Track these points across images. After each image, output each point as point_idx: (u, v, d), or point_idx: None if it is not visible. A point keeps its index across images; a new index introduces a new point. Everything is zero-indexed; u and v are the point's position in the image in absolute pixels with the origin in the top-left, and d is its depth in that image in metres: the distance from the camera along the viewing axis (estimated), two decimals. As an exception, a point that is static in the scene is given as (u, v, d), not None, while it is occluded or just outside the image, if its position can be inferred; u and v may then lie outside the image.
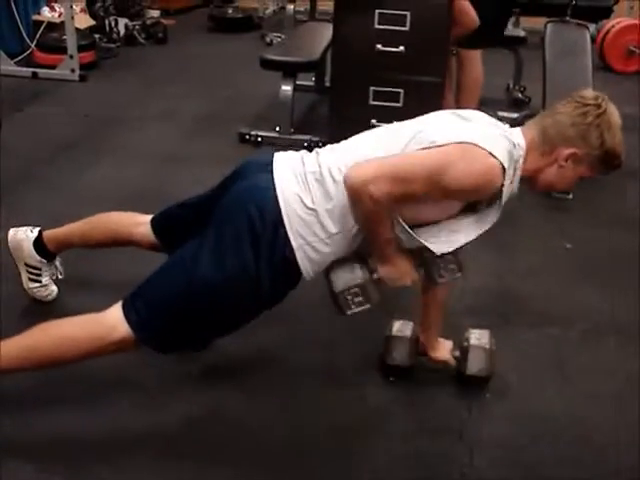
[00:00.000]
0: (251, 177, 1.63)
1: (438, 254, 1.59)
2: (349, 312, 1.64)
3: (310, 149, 3.63)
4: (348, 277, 1.61)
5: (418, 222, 1.58)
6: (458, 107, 3.55)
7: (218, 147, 3.47)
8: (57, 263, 2.05)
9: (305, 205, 1.55)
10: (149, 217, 1.89)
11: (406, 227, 1.56)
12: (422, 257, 1.66)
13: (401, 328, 1.88)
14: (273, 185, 1.57)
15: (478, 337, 1.85)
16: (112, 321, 1.57)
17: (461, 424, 1.73)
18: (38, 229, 2.01)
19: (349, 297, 1.62)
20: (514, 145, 1.55)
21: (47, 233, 2.01)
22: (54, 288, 2.05)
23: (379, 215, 1.52)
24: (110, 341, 1.56)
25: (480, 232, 1.62)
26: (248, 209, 1.55)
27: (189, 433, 1.66)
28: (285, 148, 3.50)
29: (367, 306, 1.64)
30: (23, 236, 2.00)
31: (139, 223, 1.90)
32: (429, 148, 1.51)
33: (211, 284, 1.55)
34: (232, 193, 1.62)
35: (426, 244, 1.58)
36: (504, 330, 2.07)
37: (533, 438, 1.72)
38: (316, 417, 1.74)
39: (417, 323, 1.87)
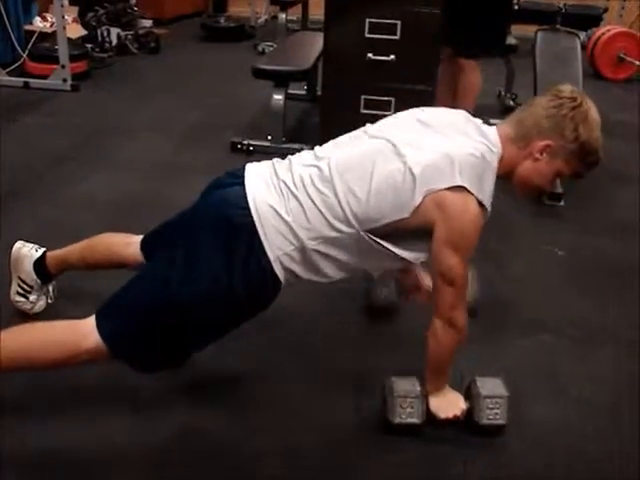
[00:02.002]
0: (223, 189, 1.63)
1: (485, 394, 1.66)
2: (397, 421, 1.66)
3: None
4: (409, 387, 1.67)
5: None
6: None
7: (210, 156, 3.46)
8: (50, 288, 2.04)
9: (280, 216, 1.54)
10: (139, 237, 1.88)
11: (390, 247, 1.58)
12: (468, 391, 1.72)
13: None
14: (244, 196, 1.56)
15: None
16: (85, 329, 1.55)
17: (455, 432, 1.72)
18: (43, 250, 2.00)
19: (403, 405, 1.65)
20: (488, 150, 1.55)
21: (50, 255, 1.99)
22: (39, 304, 2.01)
23: (460, 342, 1.60)
24: (81, 349, 1.54)
25: None
26: (219, 221, 1.55)
27: (175, 448, 1.64)
28: (277, 157, 3.50)
29: (414, 420, 1.66)
30: (27, 253, 1.99)
31: (127, 244, 1.88)
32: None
33: (182, 296, 1.53)
34: (204, 206, 1.63)
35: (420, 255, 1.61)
36: (496, 337, 2.08)
37: (525, 447, 1.72)
38: (305, 429, 1.72)
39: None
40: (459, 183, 1.50)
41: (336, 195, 1.53)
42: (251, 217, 1.53)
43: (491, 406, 1.69)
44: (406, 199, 1.52)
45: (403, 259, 1.61)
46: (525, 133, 1.58)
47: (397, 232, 1.56)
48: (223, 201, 1.60)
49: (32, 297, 2.00)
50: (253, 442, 1.67)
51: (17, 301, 2.00)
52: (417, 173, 1.51)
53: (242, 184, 1.59)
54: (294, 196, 1.55)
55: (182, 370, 1.74)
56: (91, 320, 1.57)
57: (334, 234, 1.55)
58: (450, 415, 1.67)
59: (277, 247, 1.54)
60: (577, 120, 1.54)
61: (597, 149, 1.57)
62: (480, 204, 1.52)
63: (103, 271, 2.01)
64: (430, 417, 1.69)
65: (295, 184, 1.57)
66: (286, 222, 1.54)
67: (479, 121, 1.66)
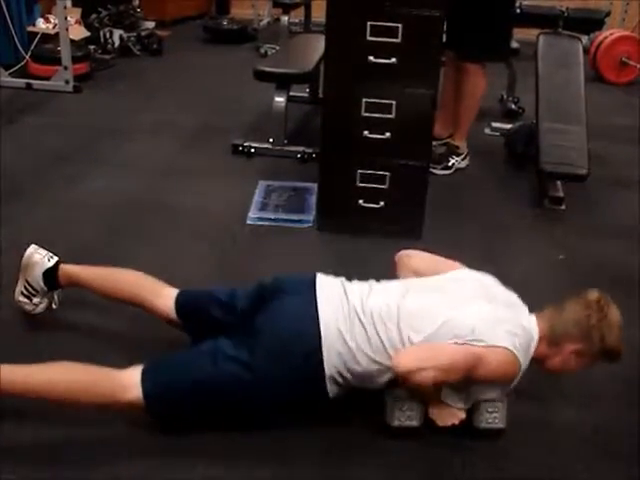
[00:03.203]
0: (295, 297, 1.72)
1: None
2: (395, 424, 1.69)
3: (303, 160, 3.67)
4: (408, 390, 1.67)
5: None
6: (456, 118, 3.59)
7: (211, 158, 3.47)
8: (55, 295, 2.03)
9: (344, 340, 1.63)
10: (174, 292, 1.88)
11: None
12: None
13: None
14: (317, 313, 1.65)
15: None
16: (127, 382, 1.60)
17: (453, 433, 1.72)
18: (56, 260, 1.98)
19: (403, 408, 1.68)
20: (531, 337, 1.69)
21: (64, 267, 1.98)
22: (42, 307, 2.01)
23: (427, 390, 1.64)
24: (119, 400, 1.59)
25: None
26: (288, 332, 1.65)
27: (178, 442, 1.64)
28: (278, 159, 3.51)
29: (412, 424, 1.69)
30: (39, 261, 1.98)
31: (162, 295, 1.87)
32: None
33: (232, 388, 1.62)
34: (274, 311, 1.69)
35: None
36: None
37: (524, 449, 1.72)
38: (303, 430, 1.72)
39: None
40: (507, 345, 1.61)
41: (400, 332, 1.63)
42: (319, 336, 1.62)
43: (490, 410, 1.70)
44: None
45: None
46: (556, 336, 1.72)
47: None
48: (294, 314, 1.68)
49: (36, 300, 2.00)
50: (250, 441, 1.67)
51: (20, 301, 2.00)
52: (475, 327, 1.63)
53: (313, 297, 1.68)
54: (361, 324, 1.65)
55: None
56: (135, 374, 1.61)
57: (387, 360, 1.63)
58: (448, 424, 1.70)
59: (334, 366, 1.63)
60: (603, 330, 1.68)
61: (619, 350, 1.70)
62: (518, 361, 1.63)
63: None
64: (429, 422, 1.70)
65: (364, 312, 1.66)
66: (349, 347, 1.63)
67: (526, 308, 1.78)
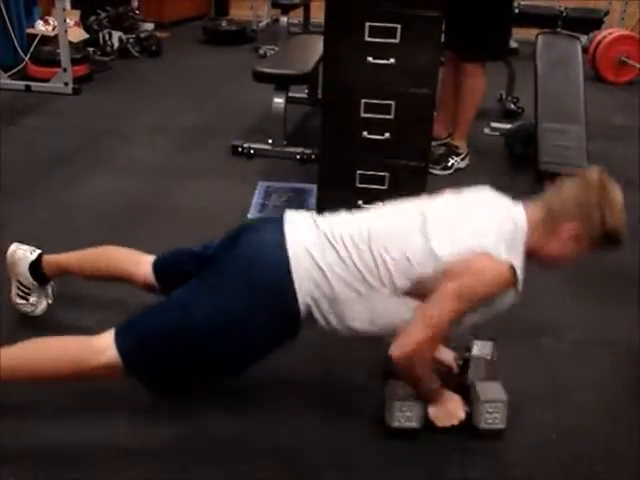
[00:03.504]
0: (260, 230, 1.67)
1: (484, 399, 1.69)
2: (395, 425, 1.67)
3: (303, 161, 3.67)
4: (408, 390, 1.67)
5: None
6: (456, 118, 3.59)
7: (211, 160, 3.47)
8: (49, 288, 2.04)
9: (315, 262, 1.57)
10: (151, 258, 1.89)
11: None
12: (467, 396, 1.73)
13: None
14: (283, 237, 1.59)
15: (480, 347, 1.84)
16: (102, 345, 1.58)
17: (453, 434, 1.72)
18: (38, 252, 2.00)
19: (402, 408, 1.66)
20: (515, 228, 1.61)
21: (48, 258, 1.99)
22: (41, 306, 2.02)
23: (425, 377, 1.62)
24: (98, 363, 1.56)
25: (494, 314, 1.67)
26: (254, 259, 1.59)
27: (177, 452, 1.64)
28: (278, 160, 3.51)
29: (412, 425, 1.67)
30: (22, 256, 1.99)
31: (139, 262, 1.88)
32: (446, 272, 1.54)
33: (206, 328, 1.56)
34: (240, 244, 1.65)
35: None
36: (496, 341, 2.07)
37: (524, 449, 1.72)
38: (304, 432, 1.72)
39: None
40: (490, 249, 1.55)
41: (372, 254, 1.58)
42: (287, 258, 1.56)
43: (490, 410, 1.70)
44: (436, 263, 1.56)
45: None
46: (554, 217, 1.64)
47: (425, 294, 1.58)
48: (259, 240, 1.64)
49: (32, 299, 2.00)
50: (252, 443, 1.67)
51: (18, 303, 2.01)
52: (451, 240, 1.57)
53: (280, 226, 1.63)
54: (333, 248, 1.59)
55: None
56: (108, 336, 1.59)
57: (366, 290, 1.58)
58: (447, 424, 1.69)
59: (306, 292, 1.57)
60: (604, 209, 1.60)
61: (621, 233, 1.63)
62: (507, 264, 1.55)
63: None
64: (428, 423, 1.70)
65: (334, 237, 1.61)
66: (321, 270, 1.57)
67: (509, 200, 1.70)
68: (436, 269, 1.56)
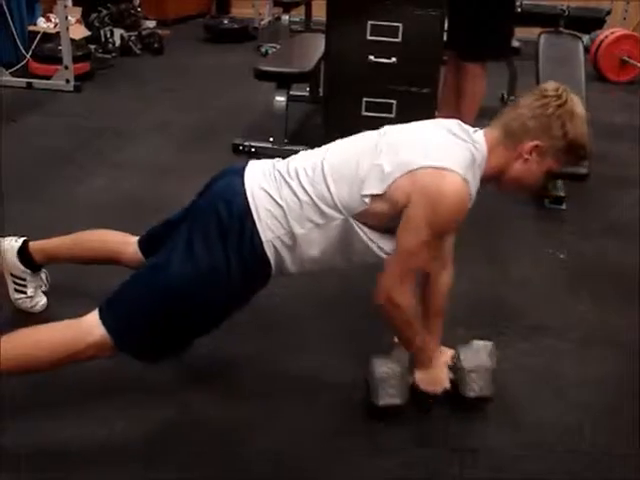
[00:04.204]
0: (222, 179, 1.71)
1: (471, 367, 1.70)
2: (381, 402, 1.68)
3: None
4: (391, 367, 1.68)
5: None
6: (457, 118, 3.56)
7: (212, 158, 3.46)
8: (42, 275, 2.05)
9: (273, 199, 1.60)
10: (137, 238, 1.91)
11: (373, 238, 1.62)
12: (454, 367, 1.73)
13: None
14: (242, 183, 1.62)
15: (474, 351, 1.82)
16: (88, 325, 1.58)
17: (453, 434, 1.72)
18: (23, 239, 2.00)
19: (385, 386, 1.67)
20: (474, 150, 1.58)
21: (34, 244, 2.00)
22: (41, 300, 2.04)
23: (409, 322, 1.63)
24: (86, 344, 1.56)
25: None
26: (216, 206, 1.61)
27: (168, 442, 1.65)
28: (279, 158, 3.49)
29: (397, 401, 1.68)
30: (7, 246, 2.00)
31: (128, 243, 1.91)
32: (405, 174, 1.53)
33: (182, 281, 1.58)
34: (204, 197, 1.70)
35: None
36: (497, 341, 2.06)
37: (525, 449, 1.71)
38: (301, 429, 1.73)
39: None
40: (441, 164, 1.51)
41: (326, 183, 1.59)
42: (246, 200, 1.59)
43: (475, 378, 1.70)
44: (384, 178, 1.55)
45: (382, 249, 1.63)
46: (512, 135, 1.59)
47: (382, 225, 1.60)
48: (222, 188, 1.68)
49: (30, 290, 2.01)
50: (247, 443, 1.67)
51: (17, 299, 2.01)
52: (398, 153, 1.56)
53: (241, 175, 1.66)
54: (287, 184, 1.62)
55: (176, 364, 1.79)
56: (93, 315, 1.59)
57: (323, 220, 1.60)
58: (430, 390, 1.71)
59: (269, 230, 1.59)
60: (564, 118, 1.55)
61: (585, 144, 1.58)
62: (465, 184, 1.52)
63: (98, 269, 2.02)
64: (413, 388, 1.71)
65: (289, 174, 1.64)
66: (280, 206, 1.60)
67: (468, 127, 1.66)
68: (386, 187, 1.54)
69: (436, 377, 1.73)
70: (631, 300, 2.36)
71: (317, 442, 1.70)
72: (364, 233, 1.61)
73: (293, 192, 1.61)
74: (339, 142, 1.74)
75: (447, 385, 1.72)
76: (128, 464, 1.59)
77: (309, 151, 1.75)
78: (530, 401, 1.85)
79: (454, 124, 1.66)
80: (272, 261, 1.62)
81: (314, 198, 1.59)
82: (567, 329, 2.21)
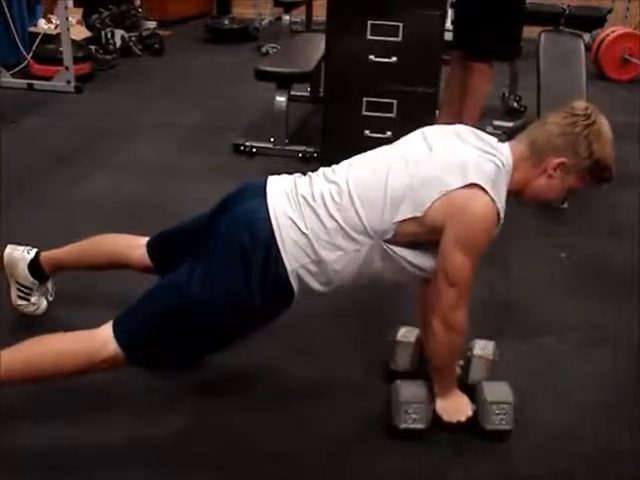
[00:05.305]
0: (244, 202, 1.64)
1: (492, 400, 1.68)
2: (402, 426, 1.66)
3: (305, 160, 3.68)
4: (416, 392, 1.67)
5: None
6: (461, 117, 3.56)
7: (213, 158, 3.47)
8: (49, 285, 2.04)
9: (299, 229, 1.56)
10: (145, 240, 1.89)
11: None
12: (474, 396, 1.73)
13: (406, 334, 1.87)
14: (266, 209, 1.58)
15: (482, 347, 1.85)
16: (102, 339, 1.57)
17: (455, 436, 1.72)
18: (35, 251, 2.00)
19: (409, 411, 1.66)
20: (501, 165, 1.57)
21: (44, 254, 2.00)
22: (42, 305, 2.03)
23: (459, 346, 1.64)
24: (100, 358, 1.56)
25: None
26: (240, 233, 1.57)
27: (179, 447, 1.65)
28: (280, 159, 3.52)
29: (419, 426, 1.66)
30: (19, 256, 1.99)
31: (136, 246, 1.89)
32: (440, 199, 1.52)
33: (201, 305, 1.56)
34: (225, 219, 1.64)
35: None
36: (497, 341, 2.06)
37: (527, 452, 1.71)
38: (307, 432, 1.73)
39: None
40: (472, 181, 1.51)
41: (355, 209, 1.56)
42: (271, 227, 1.55)
43: (497, 412, 1.69)
44: (419, 201, 1.53)
45: (417, 266, 1.61)
46: (539, 151, 1.60)
47: (413, 242, 1.58)
48: (244, 213, 1.61)
49: (34, 299, 2.01)
50: (255, 444, 1.67)
51: (19, 305, 2.01)
52: (430, 176, 1.54)
53: (263, 197, 1.61)
54: (313, 210, 1.58)
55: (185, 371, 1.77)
56: (107, 329, 1.58)
57: (353, 246, 1.57)
58: (454, 420, 1.69)
59: (295, 259, 1.56)
60: (591, 138, 1.56)
61: (610, 165, 1.59)
62: (494, 205, 1.52)
63: (104, 275, 2.02)
64: (435, 418, 1.69)
65: (314, 198, 1.59)
66: (305, 235, 1.56)
67: (492, 137, 1.66)
68: (423, 210, 1.53)
69: (459, 405, 1.70)
70: (631, 300, 2.35)
71: (332, 448, 1.69)
72: (397, 255, 1.58)
73: (319, 219, 1.57)
74: (359, 158, 1.70)
75: (470, 414, 1.69)
76: (129, 469, 1.59)
77: (329, 169, 1.69)
78: (530, 401, 1.85)
79: (476, 137, 1.64)
80: (296, 288, 1.58)
81: (342, 224, 1.56)
82: (567, 329, 2.20)
